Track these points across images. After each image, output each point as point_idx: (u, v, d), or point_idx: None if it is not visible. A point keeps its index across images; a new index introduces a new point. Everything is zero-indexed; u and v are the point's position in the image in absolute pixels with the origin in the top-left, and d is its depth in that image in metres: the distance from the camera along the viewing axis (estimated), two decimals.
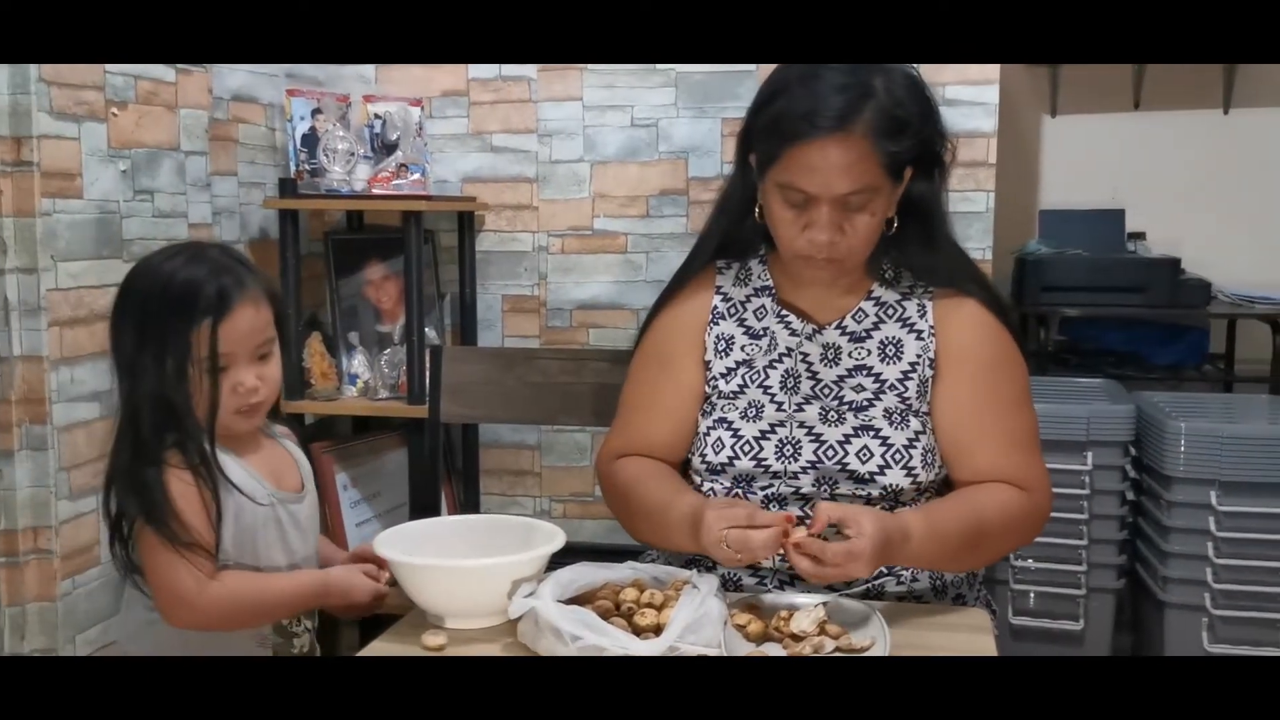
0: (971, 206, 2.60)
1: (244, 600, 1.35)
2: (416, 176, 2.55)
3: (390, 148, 2.56)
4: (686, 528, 1.35)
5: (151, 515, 1.31)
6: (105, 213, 2.04)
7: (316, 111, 2.51)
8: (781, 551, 1.27)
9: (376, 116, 2.57)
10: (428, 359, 2.29)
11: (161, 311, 1.33)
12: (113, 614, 2.06)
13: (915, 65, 1.42)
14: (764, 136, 1.40)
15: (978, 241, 2.60)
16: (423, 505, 2.24)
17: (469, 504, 2.74)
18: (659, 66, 2.65)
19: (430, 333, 2.56)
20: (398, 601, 1.40)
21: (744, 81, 2.60)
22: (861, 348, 1.48)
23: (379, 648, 1.28)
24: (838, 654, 1.21)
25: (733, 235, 1.54)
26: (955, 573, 1.47)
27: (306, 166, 2.49)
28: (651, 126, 2.68)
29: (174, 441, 1.34)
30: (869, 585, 1.43)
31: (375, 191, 2.51)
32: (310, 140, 2.50)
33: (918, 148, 1.39)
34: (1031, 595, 2.72)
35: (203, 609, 1.32)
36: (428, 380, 2.13)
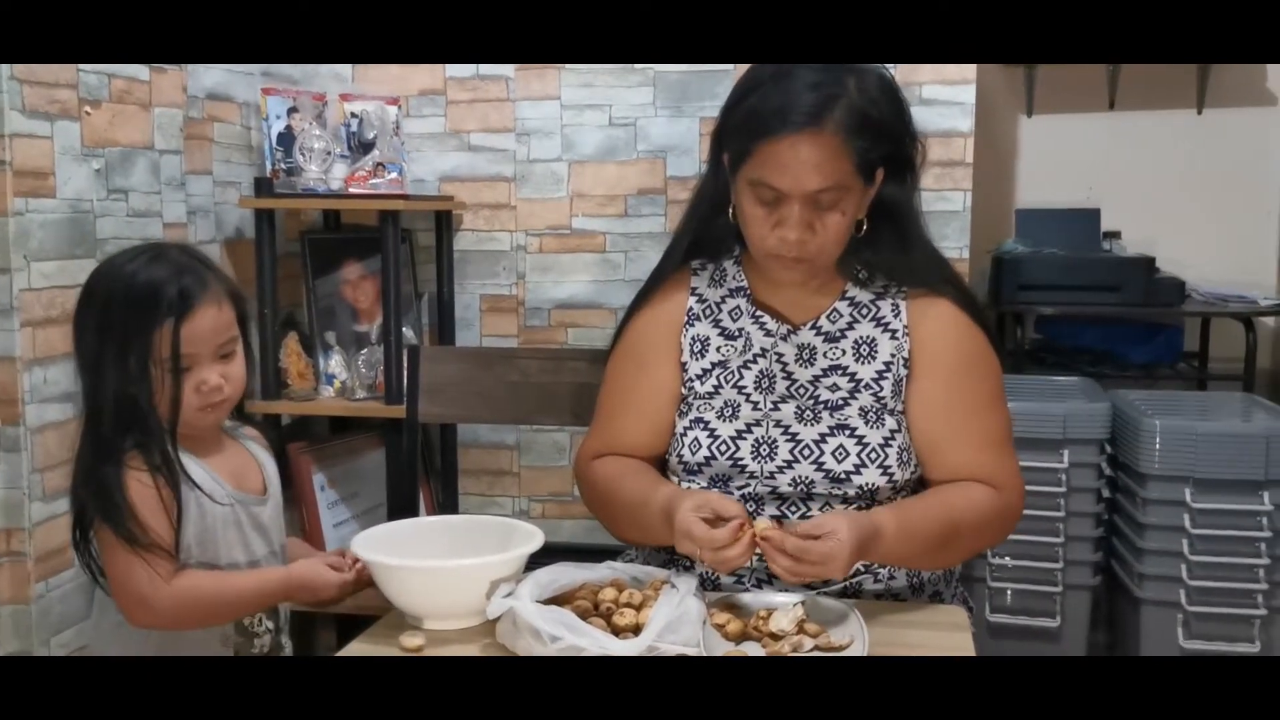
0: (949, 206, 2.61)
1: (203, 598, 1.35)
2: (394, 176, 2.54)
3: (367, 147, 2.54)
4: (661, 519, 1.35)
5: (109, 516, 1.31)
6: (78, 212, 2.02)
7: (292, 110, 2.50)
8: (759, 551, 1.27)
9: (353, 115, 2.56)
10: (405, 359, 2.28)
11: (124, 311, 1.34)
12: (87, 617, 2.04)
13: (892, 65, 1.42)
14: (736, 133, 1.40)
15: (955, 240, 2.61)
16: (401, 506, 2.23)
17: (447, 504, 2.73)
18: (637, 66, 2.65)
19: (408, 332, 2.55)
20: (376, 602, 1.39)
21: (722, 81, 2.60)
22: (836, 348, 1.49)
23: (357, 649, 1.27)
24: (816, 653, 1.21)
25: (705, 235, 1.55)
26: (929, 570, 1.47)
27: (282, 165, 2.48)
28: (629, 126, 2.68)
29: (135, 442, 1.34)
30: (847, 584, 1.43)
31: (352, 191, 2.50)
32: (286, 139, 2.49)
33: (889, 147, 1.39)
34: (1009, 592, 2.73)
35: (160, 608, 1.32)
36: (405, 380, 2.12)
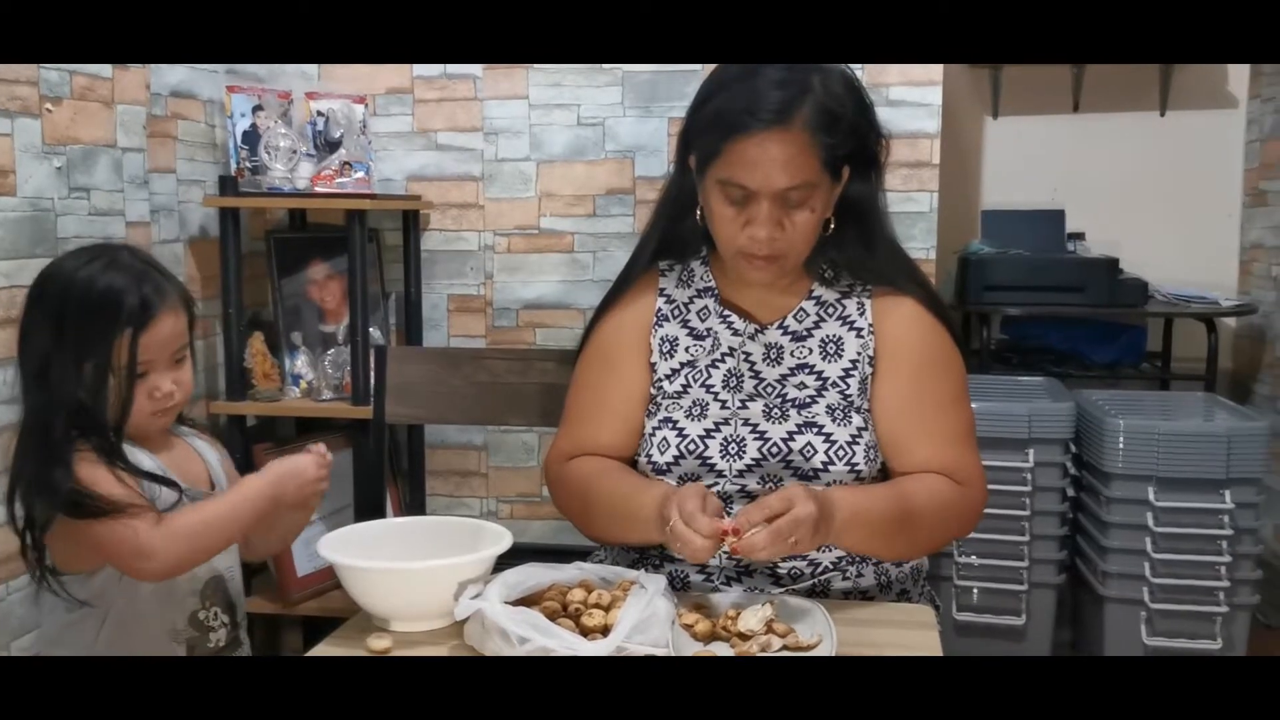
0: (915, 207, 2.63)
1: (194, 528, 1.34)
2: (360, 175, 2.52)
3: (333, 145, 2.53)
4: (655, 517, 1.34)
5: (76, 507, 1.30)
6: (39, 210, 2.00)
7: (258, 108, 2.48)
8: (728, 550, 1.27)
9: (319, 114, 2.54)
10: (372, 359, 2.26)
11: (80, 319, 1.34)
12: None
13: (858, 66, 1.43)
14: (703, 133, 1.41)
15: (921, 241, 2.62)
16: (368, 507, 2.21)
17: (415, 505, 2.72)
18: (605, 66, 2.65)
19: (375, 333, 2.54)
20: (343, 604, 1.38)
21: (690, 81, 2.60)
22: (803, 346, 1.49)
23: (323, 651, 1.26)
24: (785, 652, 1.21)
25: (673, 236, 1.55)
26: (888, 559, 1.47)
27: (248, 164, 2.46)
28: (598, 125, 2.68)
29: (84, 438, 1.34)
30: (815, 582, 1.44)
31: (318, 190, 2.48)
32: (251, 137, 2.46)
33: (855, 143, 1.40)
34: (975, 591, 2.75)
35: (161, 553, 1.31)
36: (372, 381, 2.10)
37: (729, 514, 1.43)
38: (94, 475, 1.32)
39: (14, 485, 1.36)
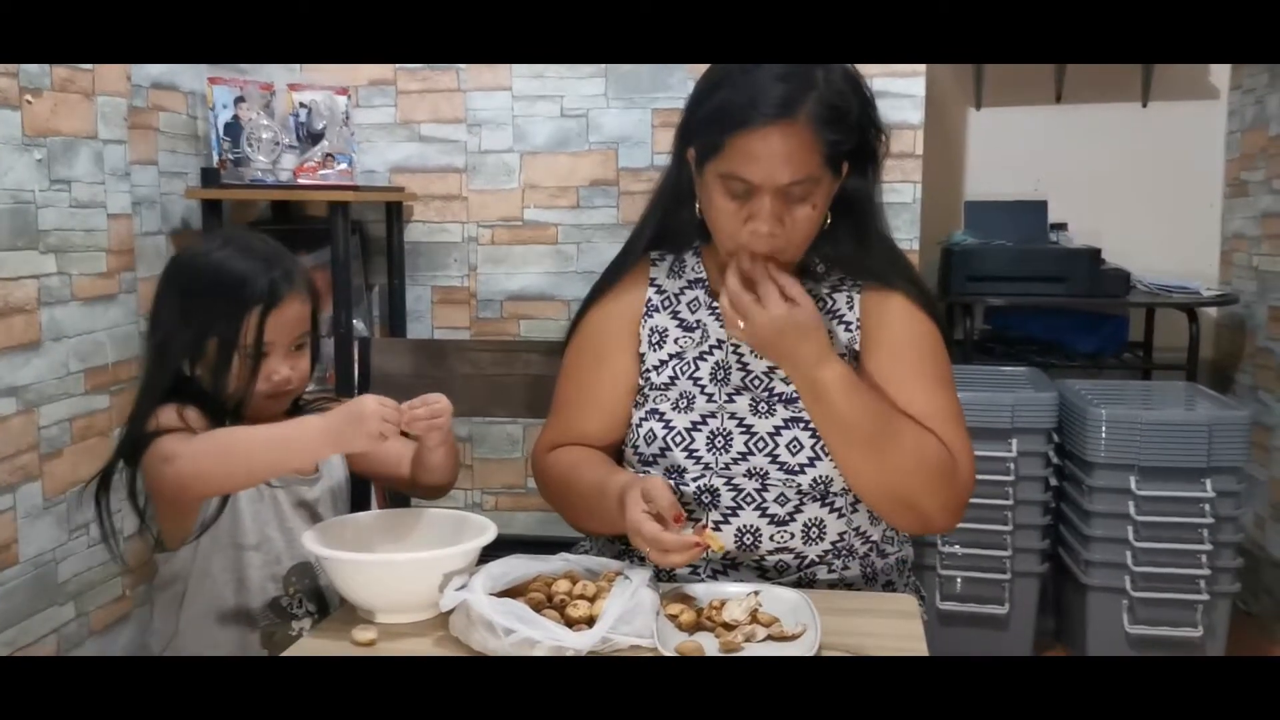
0: (899, 197, 2.64)
1: (227, 445, 1.33)
2: (343, 166, 2.52)
3: (316, 137, 2.52)
4: (617, 508, 1.34)
5: (141, 443, 1.35)
6: (20, 203, 1.99)
7: (240, 100, 2.47)
8: (707, 549, 1.28)
9: (302, 105, 2.54)
10: (356, 351, 2.26)
11: (212, 297, 1.39)
12: (28, 615, 2.01)
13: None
14: (705, 127, 1.39)
15: (905, 232, 2.63)
16: (352, 499, 2.21)
17: (399, 497, 2.71)
18: None
19: (358, 325, 2.54)
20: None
21: (674, 72, 2.60)
22: None
23: (308, 644, 1.26)
24: (770, 642, 1.22)
25: (668, 228, 1.54)
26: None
27: (230, 156, 2.45)
28: (581, 117, 2.68)
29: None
30: (800, 575, 1.44)
31: (301, 181, 2.47)
32: (233, 129, 2.45)
33: (857, 139, 1.40)
34: (958, 580, 2.77)
35: (185, 456, 1.31)
36: (356, 373, 2.10)
37: (715, 507, 1.43)
38: (169, 416, 1.36)
39: (110, 469, 1.41)
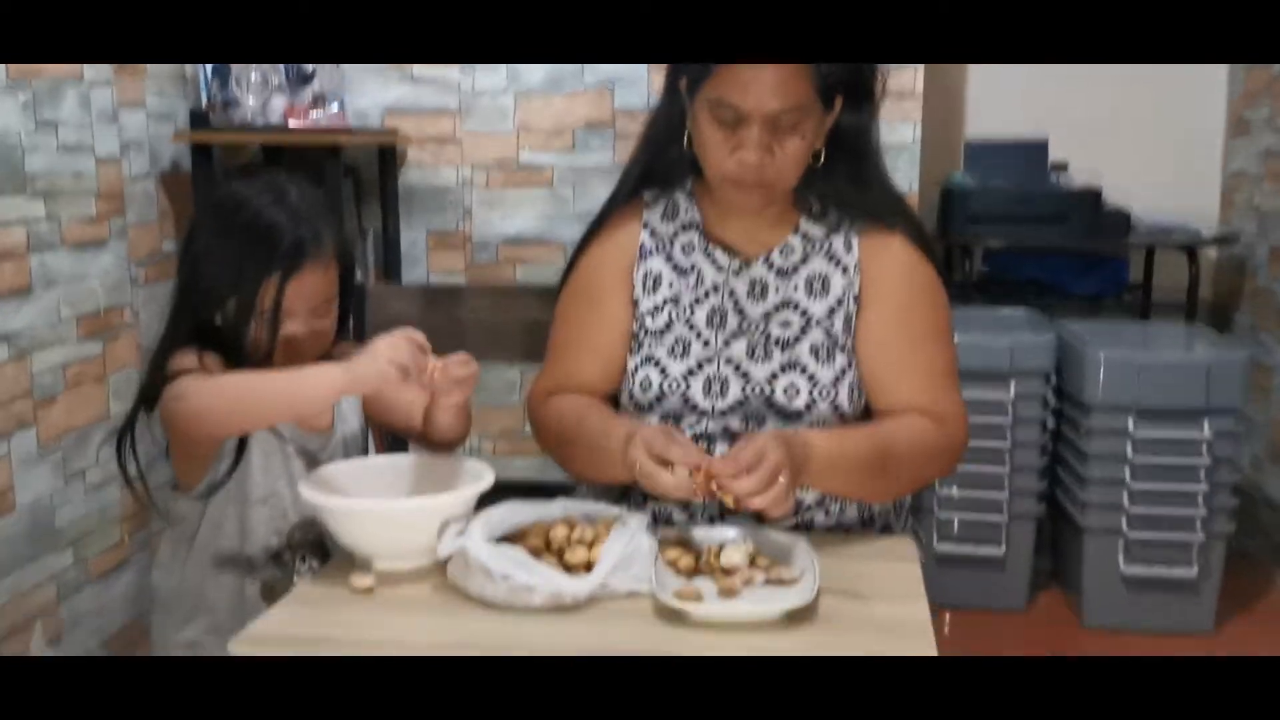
0: (898, 138, 2.61)
1: (237, 386, 1.33)
2: (335, 109, 2.48)
3: (306, 78, 2.48)
4: (620, 455, 1.34)
5: (155, 382, 1.36)
6: (6, 146, 1.96)
7: None
8: (714, 490, 1.27)
9: None
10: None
11: (239, 250, 1.37)
12: (27, 562, 2.02)
13: None
14: None
15: (904, 173, 2.61)
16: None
17: (397, 444, 2.71)
18: None
19: None
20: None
21: None
22: (789, 283, 1.48)
23: (305, 591, 1.26)
24: (768, 587, 1.22)
25: (659, 164, 1.52)
26: (871, 500, 1.47)
27: (219, 98, 2.41)
28: None
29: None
30: (798, 519, 1.44)
31: (292, 124, 2.44)
32: (221, 70, 2.41)
33: (850, 72, 1.38)
34: (955, 522, 2.78)
35: (195, 395, 1.31)
36: (351, 319, 2.08)
37: (711, 454, 1.42)
38: (185, 359, 1.36)
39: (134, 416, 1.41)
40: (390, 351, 1.29)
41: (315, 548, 1.47)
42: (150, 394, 1.38)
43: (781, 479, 1.23)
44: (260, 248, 1.36)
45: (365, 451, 1.61)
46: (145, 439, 1.42)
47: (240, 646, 1.10)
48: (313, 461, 1.45)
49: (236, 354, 1.39)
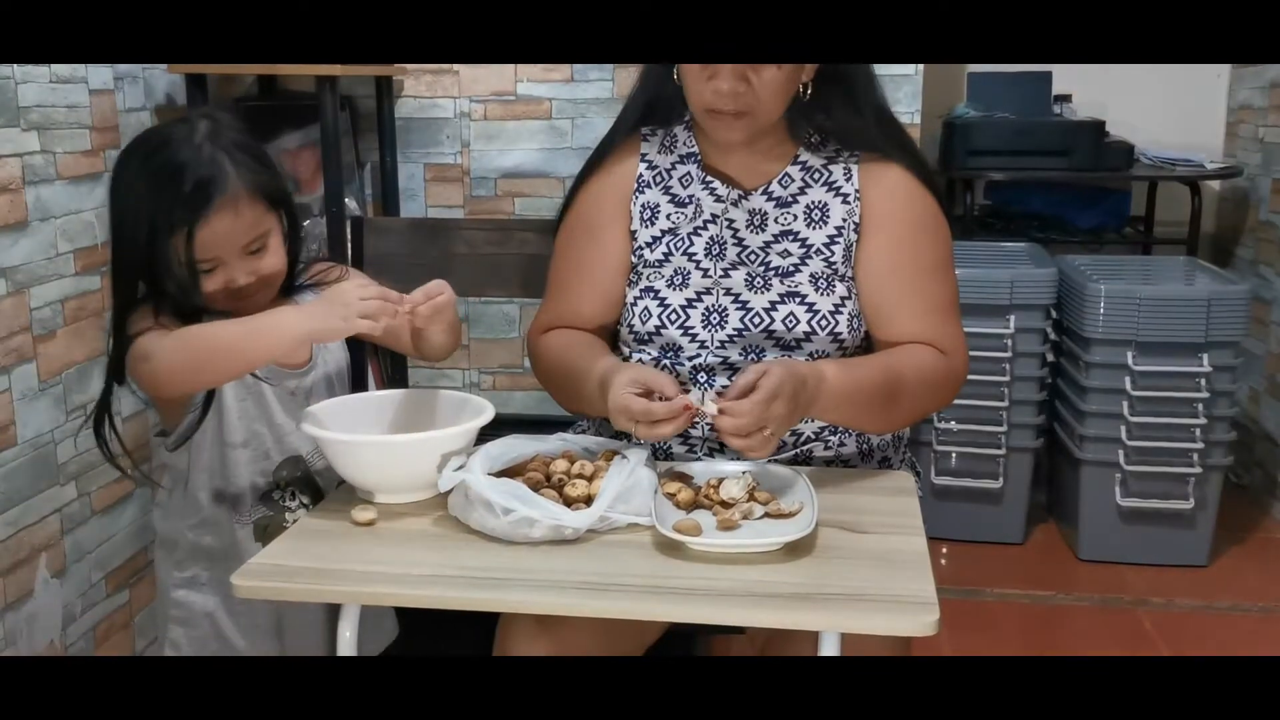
0: (900, 69, 2.57)
1: (201, 339, 1.31)
2: None
3: None
4: (599, 393, 1.34)
5: (120, 345, 1.35)
6: None
7: None
8: (709, 422, 1.27)
9: None
10: (349, 231, 2.23)
11: (135, 218, 1.34)
12: (30, 496, 2.03)
13: None
14: None
15: (906, 105, 2.58)
16: (352, 382, 2.21)
17: (397, 378, 2.70)
18: None
19: (350, 204, 2.50)
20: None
21: None
22: (788, 213, 1.47)
23: (308, 524, 1.27)
24: (767, 520, 1.22)
25: (658, 98, 1.51)
26: (874, 431, 1.48)
27: None
28: None
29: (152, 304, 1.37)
30: (797, 452, 1.44)
31: None
32: None
33: None
34: (953, 455, 2.79)
35: (160, 353, 1.30)
36: (349, 253, 2.07)
37: (711, 385, 1.43)
38: (144, 318, 1.35)
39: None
40: (361, 305, 1.27)
41: (304, 484, 1.47)
42: (118, 365, 1.36)
43: (767, 431, 1.23)
44: (164, 195, 1.31)
45: (355, 386, 1.60)
46: (128, 398, 1.42)
47: (242, 579, 1.11)
48: (293, 397, 1.44)
49: (187, 308, 1.35)
